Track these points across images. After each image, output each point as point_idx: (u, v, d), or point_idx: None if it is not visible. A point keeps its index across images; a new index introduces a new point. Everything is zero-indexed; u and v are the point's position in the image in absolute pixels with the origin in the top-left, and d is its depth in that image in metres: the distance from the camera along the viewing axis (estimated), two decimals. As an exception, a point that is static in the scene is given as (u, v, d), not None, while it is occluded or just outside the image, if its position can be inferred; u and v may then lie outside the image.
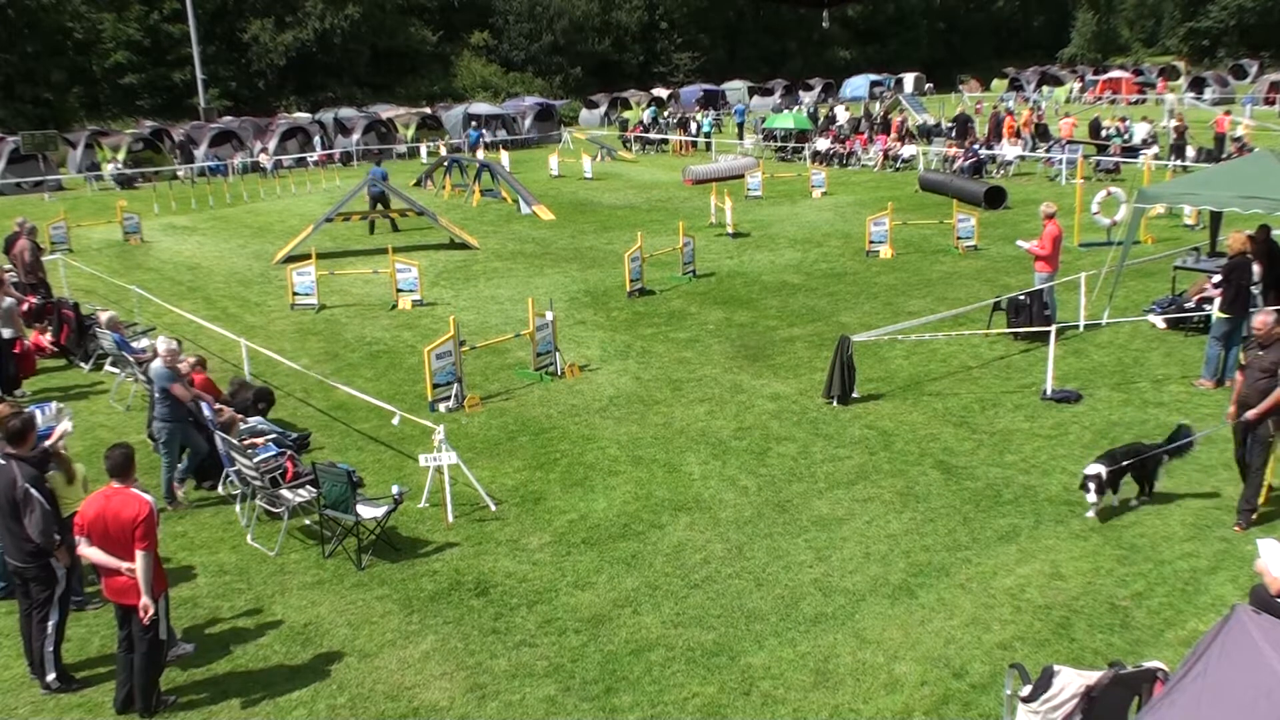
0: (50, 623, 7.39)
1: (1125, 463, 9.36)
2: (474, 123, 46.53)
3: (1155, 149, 30.31)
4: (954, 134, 36.80)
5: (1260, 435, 8.95)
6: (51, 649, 7.42)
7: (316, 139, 43.65)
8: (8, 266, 17.55)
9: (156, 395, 10.32)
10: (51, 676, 7.45)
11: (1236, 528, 9.10)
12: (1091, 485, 9.22)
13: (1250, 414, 8.85)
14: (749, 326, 16.40)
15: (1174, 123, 33.11)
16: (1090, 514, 9.34)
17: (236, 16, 61.60)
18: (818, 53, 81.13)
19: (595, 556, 9.16)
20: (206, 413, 10.78)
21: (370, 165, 33.41)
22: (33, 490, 7.25)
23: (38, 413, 10.96)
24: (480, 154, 31.65)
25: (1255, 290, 14.60)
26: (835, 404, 12.58)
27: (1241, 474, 9.35)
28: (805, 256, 21.56)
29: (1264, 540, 6.18)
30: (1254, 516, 9.15)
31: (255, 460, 9.88)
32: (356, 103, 57.59)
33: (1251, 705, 4.37)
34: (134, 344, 14.32)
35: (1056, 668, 5.95)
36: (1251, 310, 13.51)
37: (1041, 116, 38.79)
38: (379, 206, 26.25)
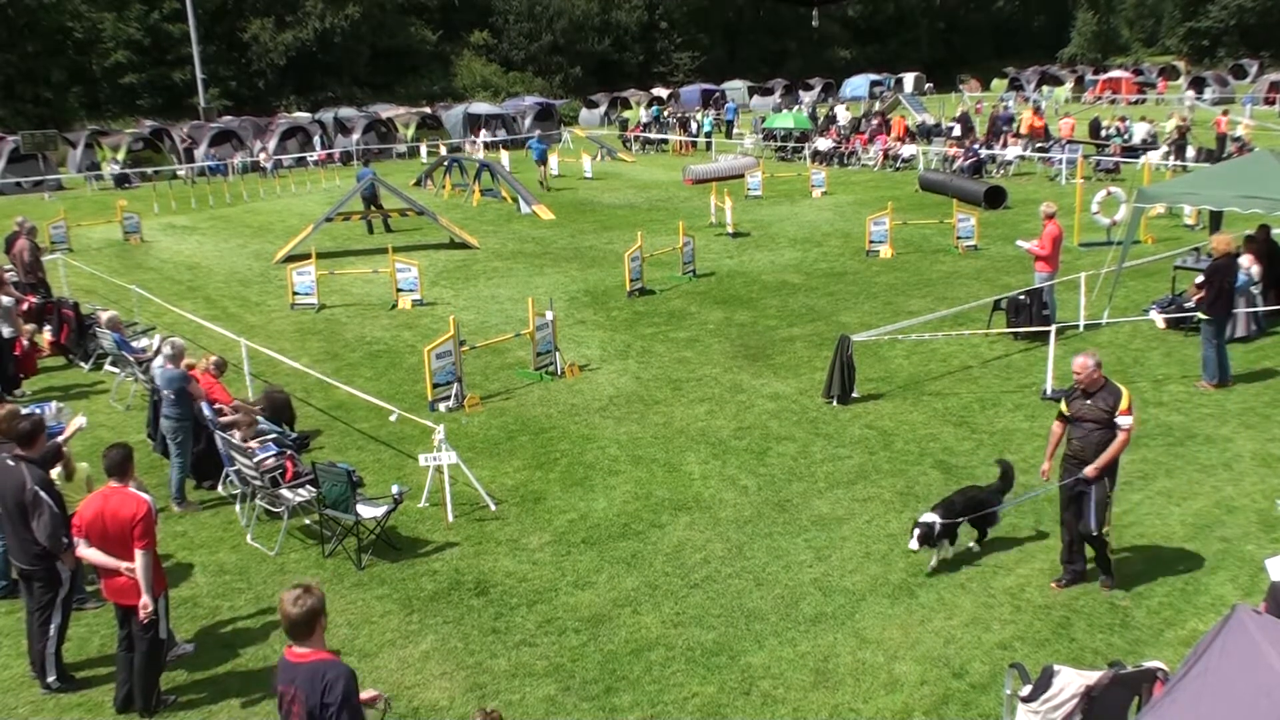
0: (53, 625, 7.39)
1: (960, 517, 8.57)
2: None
3: (1164, 148, 30.27)
4: (959, 133, 36.72)
5: (1100, 497, 7.92)
6: (53, 651, 7.42)
7: (316, 139, 43.65)
8: (7, 266, 17.55)
9: (170, 397, 10.28)
10: (52, 678, 7.45)
11: (1104, 586, 8.20)
12: (916, 532, 8.43)
13: (1089, 469, 7.85)
14: (749, 326, 16.40)
15: (1175, 122, 33.11)
16: (932, 562, 8.61)
17: (236, 16, 61.61)
18: (818, 53, 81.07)
19: (595, 556, 9.16)
20: (206, 412, 10.78)
21: (377, 168, 33.52)
22: (42, 493, 7.23)
23: (38, 412, 11.00)
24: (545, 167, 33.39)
25: (1255, 291, 14.67)
26: (835, 404, 12.58)
27: (1073, 541, 8.25)
28: (805, 256, 21.56)
29: (1272, 560, 6.21)
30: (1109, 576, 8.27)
31: (255, 460, 9.88)
32: (356, 102, 57.60)
33: (1252, 704, 4.37)
34: (134, 344, 14.32)
35: (1056, 667, 5.96)
36: (1234, 311, 13.58)
37: (1043, 117, 38.72)
38: (372, 207, 26.25)
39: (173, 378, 10.24)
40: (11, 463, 7.37)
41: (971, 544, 8.95)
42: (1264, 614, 4.83)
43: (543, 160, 33.45)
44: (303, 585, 4.93)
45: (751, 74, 71.21)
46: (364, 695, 5.02)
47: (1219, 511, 9.49)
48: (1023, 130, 35.77)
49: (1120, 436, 7.85)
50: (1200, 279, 13.03)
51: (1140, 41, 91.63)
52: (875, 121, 41.79)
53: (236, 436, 10.42)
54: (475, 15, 72.34)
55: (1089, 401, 7.93)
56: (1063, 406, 8.19)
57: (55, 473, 8.38)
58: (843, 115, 45.62)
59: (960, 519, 8.59)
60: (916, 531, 8.44)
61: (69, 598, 7.52)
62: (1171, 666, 5.95)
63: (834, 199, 28.93)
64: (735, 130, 46.29)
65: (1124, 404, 7.83)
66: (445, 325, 14.08)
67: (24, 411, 8.56)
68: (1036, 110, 39.97)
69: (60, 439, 8.30)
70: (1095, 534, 8.04)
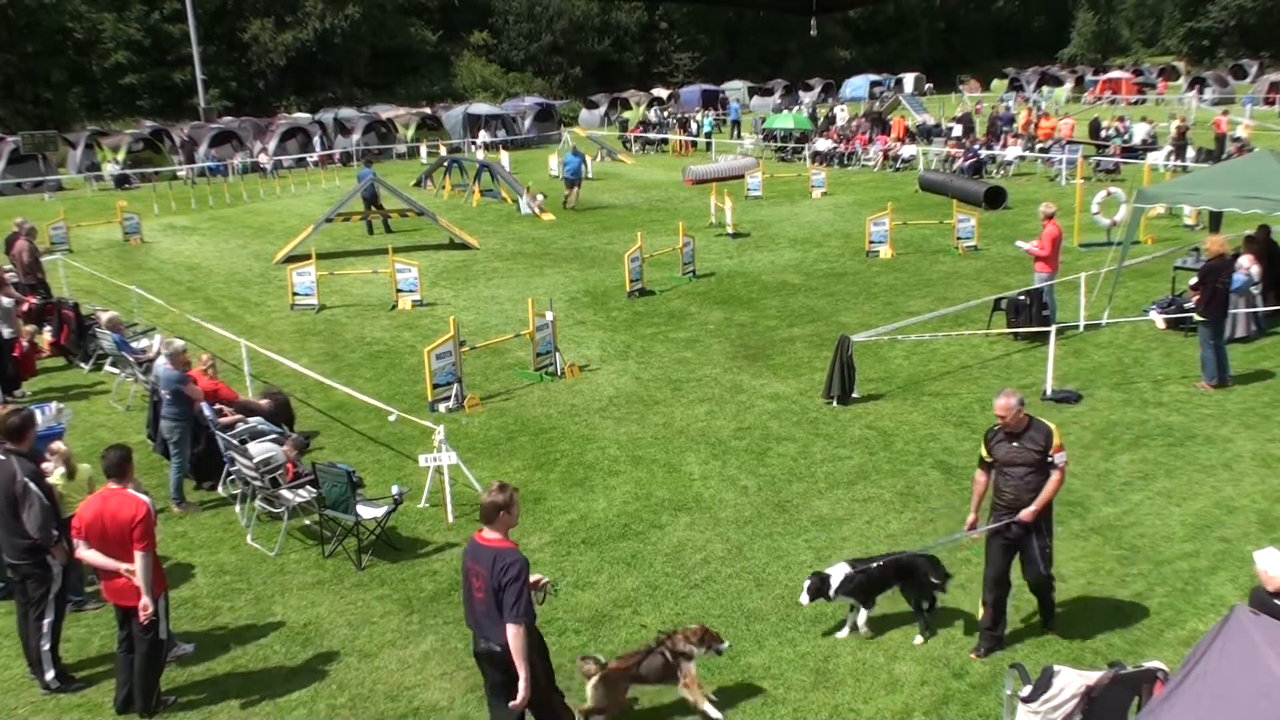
0: (46, 621, 7.39)
1: (878, 577, 7.60)
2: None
3: (1167, 148, 30.25)
4: (959, 133, 36.68)
5: (1042, 541, 7.32)
6: (48, 648, 7.42)
7: (316, 139, 43.65)
8: (7, 266, 17.55)
9: (167, 396, 10.30)
10: (50, 675, 7.45)
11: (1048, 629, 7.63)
12: (806, 584, 7.64)
13: (1025, 513, 7.13)
14: (749, 326, 16.40)
15: (1176, 123, 33.11)
16: (845, 633, 7.73)
17: (236, 16, 61.63)
18: (818, 53, 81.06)
19: (595, 556, 9.16)
20: (206, 412, 10.78)
21: (378, 168, 33.47)
22: (32, 485, 7.25)
23: (38, 412, 10.99)
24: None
25: (1255, 291, 14.67)
26: (835, 404, 12.58)
27: (995, 605, 7.43)
28: (805, 256, 21.56)
29: (1260, 551, 6.22)
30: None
31: (255, 460, 9.88)
32: (356, 103, 57.62)
33: (1251, 706, 4.38)
34: (134, 344, 14.32)
35: (1056, 668, 5.96)
36: (1234, 312, 13.58)
37: (1045, 118, 38.72)
38: (373, 208, 26.22)
39: (169, 378, 10.24)
40: (2, 456, 7.37)
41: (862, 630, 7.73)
42: (1262, 615, 4.83)
43: (576, 180, 29.42)
44: (499, 484, 6.08)
45: (751, 74, 71.22)
46: (531, 578, 6.10)
47: (1219, 512, 9.49)
48: (1038, 134, 35.36)
49: (1055, 476, 7.16)
50: (1194, 280, 13.03)
51: (1140, 42, 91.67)
52: (856, 123, 41.77)
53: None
54: (475, 15, 72.36)
55: (1015, 444, 7.18)
56: (984, 452, 7.39)
57: (59, 473, 8.40)
58: (841, 117, 45.65)
59: (879, 581, 7.58)
60: (806, 583, 7.61)
61: (61, 594, 7.52)
62: (1171, 666, 5.96)
63: (834, 199, 28.93)
64: (743, 130, 46.11)
65: (1055, 440, 7.16)
66: (445, 326, 14.08)
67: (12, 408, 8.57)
68: (1044, 113, 39.99)
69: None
70: (1047, 575, 7.40)
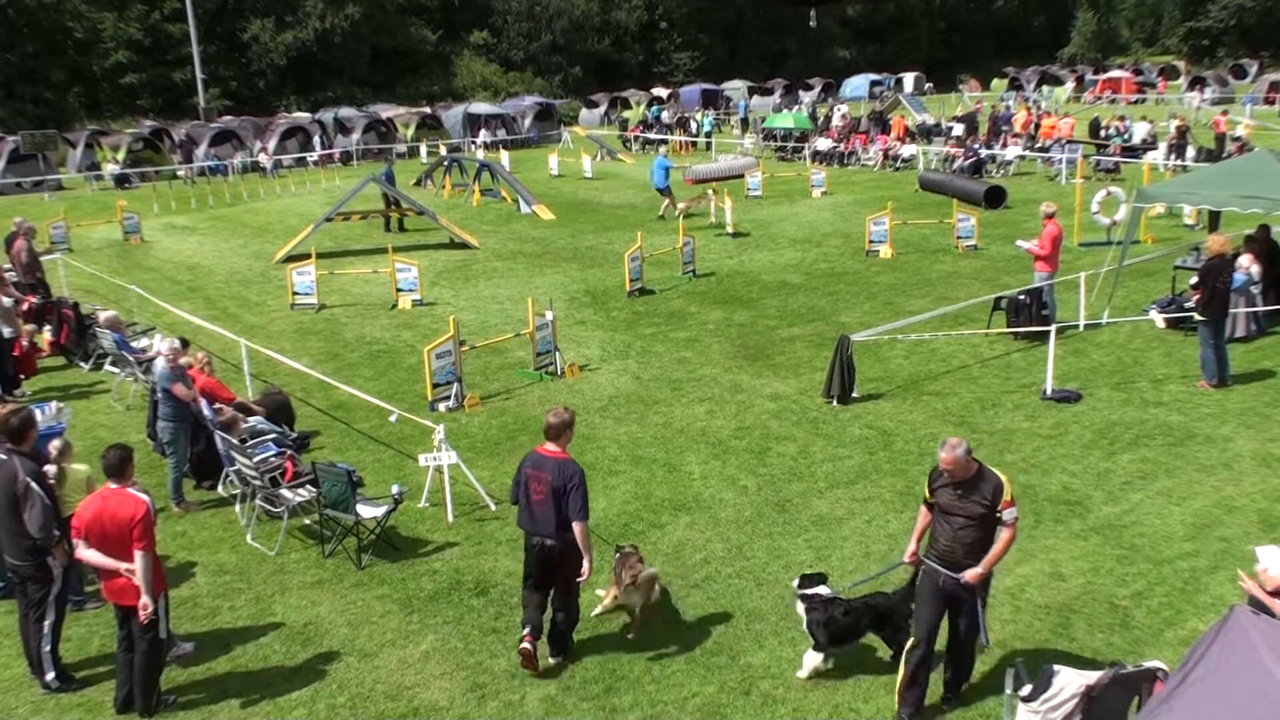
0: (46, 622, 7.39)
1: (858, 623, 7.21)
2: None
3: (1165, 146, 30.23)
4: (960, 133, 36.67)
5: (971, 606, 6.64)
6: (49, 649, 7.42)
7: (316, 139, 43.67)
8: (7, 266, 17.55)
9: (160, 395, 10.31)
10: (50, 676, 7.45)
11: (945, 705, 6.94)
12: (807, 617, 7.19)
13: (971, 575, 6.47)
14: (749, 326, 16.40)
15: (1176, 122, 33.10)
16: (802, 672, 7.22)
17: (236, 16, 61.61)
18: (818, 52, 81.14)
19: (595, 556, 9.12)
20: (206, 412, 10.78)
21: (377, 167, 33.45)
22: (33, 484, 7.26)
23: (38, 412, 10.99)
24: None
25: (1255, 291, 14.67)
26: (835, 403, 12.58)
27: (927, 656, 6.77)
28: (805, 256, 21.56)
29: (1264, 547, 6.21)
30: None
31: (255, 459, 9.88)
32: (356, 102, 57.60)
33: (1250, 707, 4.37)
34: (134, 344, 14.31)
35: (1056, 667, 5.96)
36: (1234, 311, 13.57)
37: (1045, 117, 38.69)
38: (393, 206, 26.19)
39: (161, 374, 10.24)
40: (3, 456, 7.39)
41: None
42: (1262, 615, 4.83)
43: (666, 189, 26.76)
44: (564, 407, 7.40)
45: (751, 74, 71.19)
46: None
47: (1219, 511, 9.49)
48: (1039, 134, 35.24)
49: (1005, 534, 6.46)
50: (1194, 280, 13.04)
51: (1140, 41, 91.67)
52: (846, 124, 41.83)
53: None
54: (475, 15, 72.34)
55: (959, 493, 6.48)
56: (926, 492, 6.74)
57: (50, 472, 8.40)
58: (835, 118, 45.65)
59: (856, 619, 7.21)
60: (807, 614, 7.16)
61: (62, 594, 7.52)
62: (1171, 666, 5.95)
63: (834, 199, 28.92)
64: (748, 129, 46.01)
65: (1006, 495, 6.42)
66: (445, 325, 14.08)
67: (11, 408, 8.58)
68: (1045, 112, 39.95)
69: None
70: (969, 637, 6.75)
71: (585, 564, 7.22)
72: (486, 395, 13.50)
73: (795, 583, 7.54)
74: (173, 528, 9.94)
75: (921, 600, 6.81)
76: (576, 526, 7.08)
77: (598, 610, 8.12)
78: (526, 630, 7.42)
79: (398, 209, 26.23)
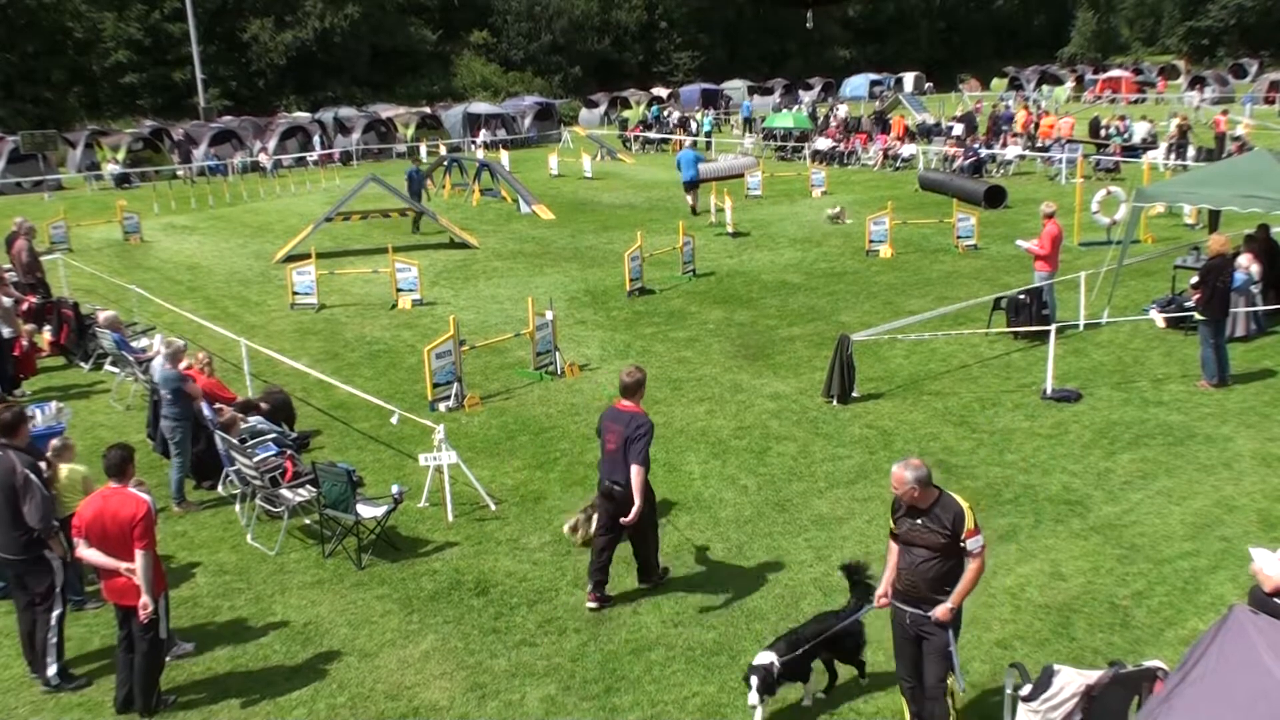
0: (54, 614, 7.46)
1: (806, 648, 6.70)
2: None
3: (1165, 145, 30.21)
4: (960, 132, 36.67)
5: (941, 644, 6.11)
6: (55, 641, 7.46)
7: (316, 138, 43.69)
8: (7, 266, 17.55)
9: (167, 396, 10.30)
10: (52, 671, 7.46)
11: None
12: (753, 680, 6.50)
13: (939, 611, 6.02)
14: (749, 326, 16.40)
15: (1176, 121, 33.09)
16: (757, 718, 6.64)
17: (236, 16, 61.58)
18: (818, 52, 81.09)
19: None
20: (206, 412, 10.78)
21: (376, 167, 33.34)
22: (32, 476, 7.34)
23: (38, 412, 11.02)
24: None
25: (1255, 290, 14.67)
26: (835, 403, 12.58)
27: (911, 700, 6.46)
28: (805, 256, 21.56)
29: (1256, 549, 6.21)
30: None
31: (255, 459, 9.88)
32: (356, 102, 57.60)
33: (1249, 707, 4.37)
34: (134, 344, 14.31)
35: (1056, 667, 5.96)
36: (1234, 311, 13.57)
37: (1044, 117, 38.68)
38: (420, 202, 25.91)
39: (168, 377, 10.24)
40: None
41: (819, 694, 7.04)
42: (1261, 614, 4.82)
43: (693, 183, 26.90)
44: (634, 366, 8.33)
45: (751, 74, 71.17)
46: None
47: (1219, 511, 9.49)
48: (1039, 134, 35.18)
49: (972, 565, 5.99)
50: (1195, 279, 13.04)
51: (1140, 41, 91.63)
52: (837, 123, 41.89)
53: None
54: (475, 15, 72.31)
55: (918, 522, 6.03)
56: (891, 523, 6.30)
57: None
58: (834, 120, 45.67)
59: (810, 653, 6.74)
60: (753, 680, 6.49)
61: (64, 588, 7.57)
62: (1172, 666, 5.95)
63: (834, 199, 28.89)
64: (755, 127, 45.96)
65: (968, 522, 5.92)
66: (445, 325, 14.08)
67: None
68: (1044, 112, 39.91)
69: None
70: (940, 682, 6.18)
71: (635, 506, 7.83)
72: (486, 395, 13.50)
73: (756, 696, 6.52)
74: (173, 527, 9.94)
75: (896, 646, 6.42)
76: (633, 469, 7.82)
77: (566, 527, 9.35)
78: (590, 588, 8.25)
79: (419, 210, 25.75)
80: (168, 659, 7.52)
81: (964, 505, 6.01)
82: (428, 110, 50.53)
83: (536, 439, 11.97)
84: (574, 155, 39.86)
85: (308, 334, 16.99)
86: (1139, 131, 34.15)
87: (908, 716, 6.53)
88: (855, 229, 23.03)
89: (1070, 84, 63.16)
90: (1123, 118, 36.57)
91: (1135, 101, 56.35)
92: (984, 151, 32.09)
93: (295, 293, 18.83)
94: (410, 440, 11.78)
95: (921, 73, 72.51)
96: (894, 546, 6.32)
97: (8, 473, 7.33)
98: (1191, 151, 29.53)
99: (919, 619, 6.14)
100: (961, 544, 5.96)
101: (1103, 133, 34.96)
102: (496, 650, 7.77)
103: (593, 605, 8.21)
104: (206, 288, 20.67)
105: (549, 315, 14.27)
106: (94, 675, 7.66)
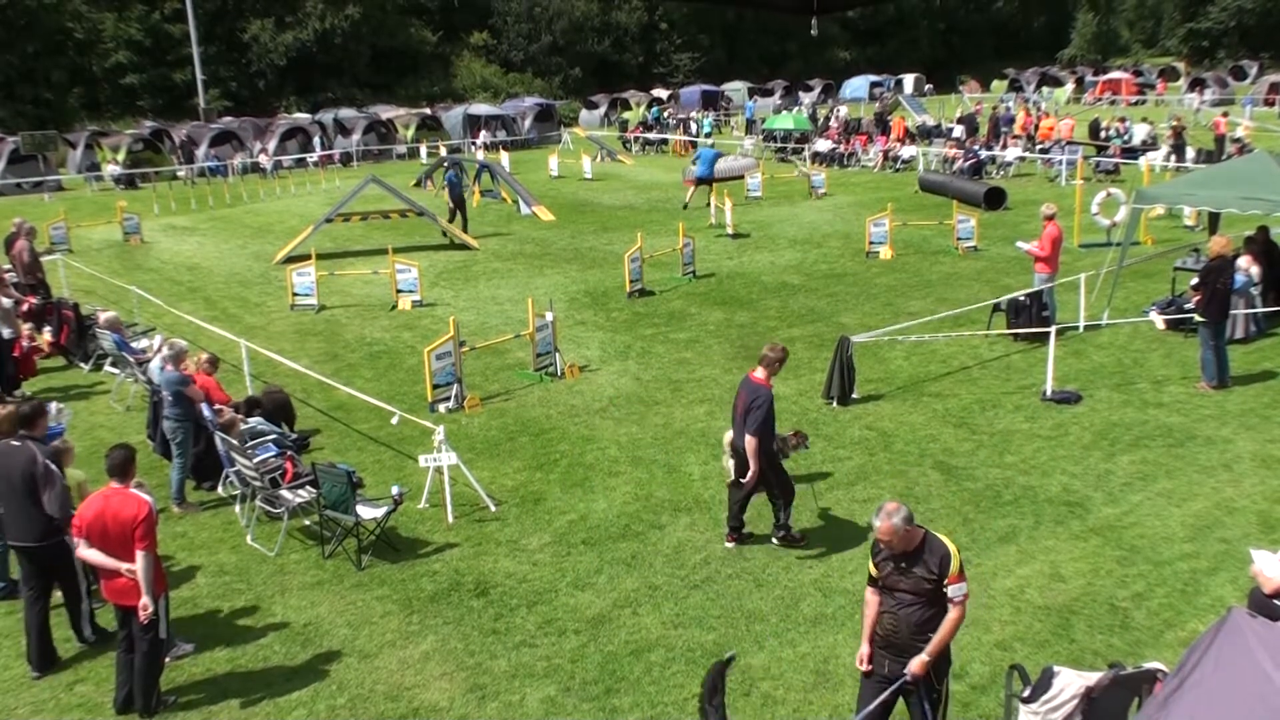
0: (83, 585, 7.82)
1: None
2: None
3: (1164, 148, 30.22)
4: (960, 134, 36.68)
5: (932, 696, 5.79)
6: (88, 609, 7.91)
7: (316, 139, 43.67)
8: (7, 266, 17.55)
9: (169, 398, 10.30)
10: (88, 631, 8.00)
11: None
12: None
13: (915, 665, 5.67)
14: (749, 327, 16.40)
15: (1172, 122, 33.11)
16: None
17: (236, 16, 61.58)
18: (817, 53, 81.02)
19: (595, 557, 9.16)
20: (206, 413, 10.78)
21: (376, 168, 33.21)
22: (52, 465, 7.56)
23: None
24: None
25: (1255, 292, 14.68)
26: (835, 405, 12.59)
27: None
28: (805, 257, 21.57)
29: (1257, 550, 6.21)
30: None
31: (255, 460, 9.88)
32: (356, 103, 57.57)
33: (1247, 711, 4.37)
34: (134, 344, 14.31)
35: (1056, 668, 5.95)
36: (1234, 313, 13.57)
37: (1044, 118, 38.70)
38: (456, 207, 25.34)
39: (171, 380, 10.25)
40: (17, 442, 7.68)
41: None
42: (1259, 617, 4.82)
43: (704, 180, 27.70)
44: (780, 345, 9.12)
45: (751, 75, 71.16)
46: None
47: (1219, 512, 9.49)
48: (1038, 135, 35.19)
49: (953, 613, 5.67)
50: (1195, 281, 13.04)
51: (1140, 43, 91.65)
52: (836, 124, 41.92)
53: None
54: (475, 16, 72.28)
55: (902, 566, 5.73)
56: (871, 568, 5.93)
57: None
58: (834, 122, 45.70)
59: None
60: None
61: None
62: (1171, 668, 5.95)
63: (834, 200, 28.93)
64: (756, 128, 46.02)
65: (953, 567, 5.64)
66: (445, 326, 14.08)
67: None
68: (1044, 113, 39.90)
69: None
70: None
71: (751, 469, 8.65)
72: (486, 396, 13.51)
73: None
74: (172, 528, 9.94)
75: (862, 699, 5.96)
76: (747, 438, 8.63)
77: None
78: (727, 530, 9.24)
79: (461, 213, 25.29)
80: (167, 659, 7.52)
81: (951, 548, 5.72)
82: (428, 111, 50.51)
83: (536, 440, 11.97)
84: (574, 156, 39.86)
85: (308, 335, 16.99)
86: (1139, 133, 34.17)
87: None
88: (856, 230, 23.03)
89: (1070, 86, 63.13)
90: (1123, 119, 36.59)
91: (1135, 103, 56.35)
92: (984, 153, 32.10)
93: (295, 294, 18.83)
94: (410, 441, 11.78)
95: (921, 74, 72.50)
96: (871, 598, 5.93)
97: (29, 462, 7.52)
98: (1190, 153, 29.53)
99: (898, 669, 5.73)
100: (945, 590, 5.62)
101: (1103, 134, 34.98)
102: (496, 651, 7.78)
103: (729, 544, 9.17)
104: (206, 289, 20.67)
105: (549, 316, 14.27)
106: (94, 676, 7.66)
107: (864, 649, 5.97)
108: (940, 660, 5.78)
